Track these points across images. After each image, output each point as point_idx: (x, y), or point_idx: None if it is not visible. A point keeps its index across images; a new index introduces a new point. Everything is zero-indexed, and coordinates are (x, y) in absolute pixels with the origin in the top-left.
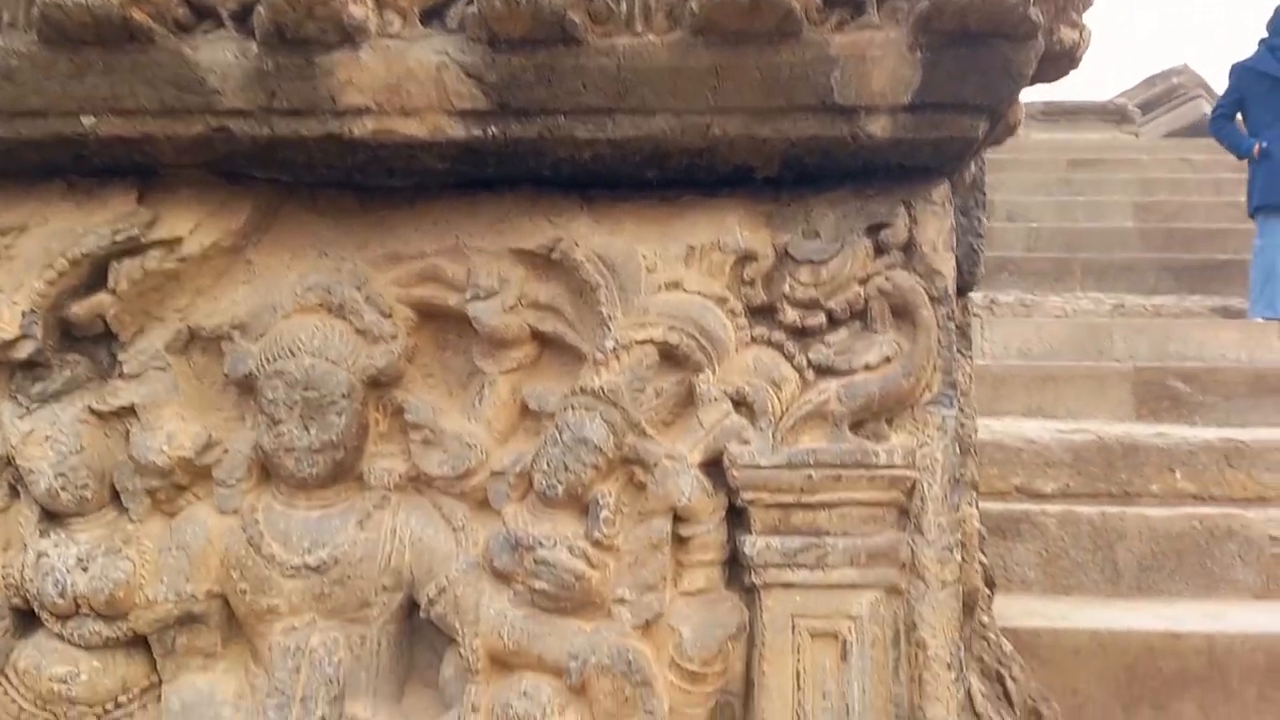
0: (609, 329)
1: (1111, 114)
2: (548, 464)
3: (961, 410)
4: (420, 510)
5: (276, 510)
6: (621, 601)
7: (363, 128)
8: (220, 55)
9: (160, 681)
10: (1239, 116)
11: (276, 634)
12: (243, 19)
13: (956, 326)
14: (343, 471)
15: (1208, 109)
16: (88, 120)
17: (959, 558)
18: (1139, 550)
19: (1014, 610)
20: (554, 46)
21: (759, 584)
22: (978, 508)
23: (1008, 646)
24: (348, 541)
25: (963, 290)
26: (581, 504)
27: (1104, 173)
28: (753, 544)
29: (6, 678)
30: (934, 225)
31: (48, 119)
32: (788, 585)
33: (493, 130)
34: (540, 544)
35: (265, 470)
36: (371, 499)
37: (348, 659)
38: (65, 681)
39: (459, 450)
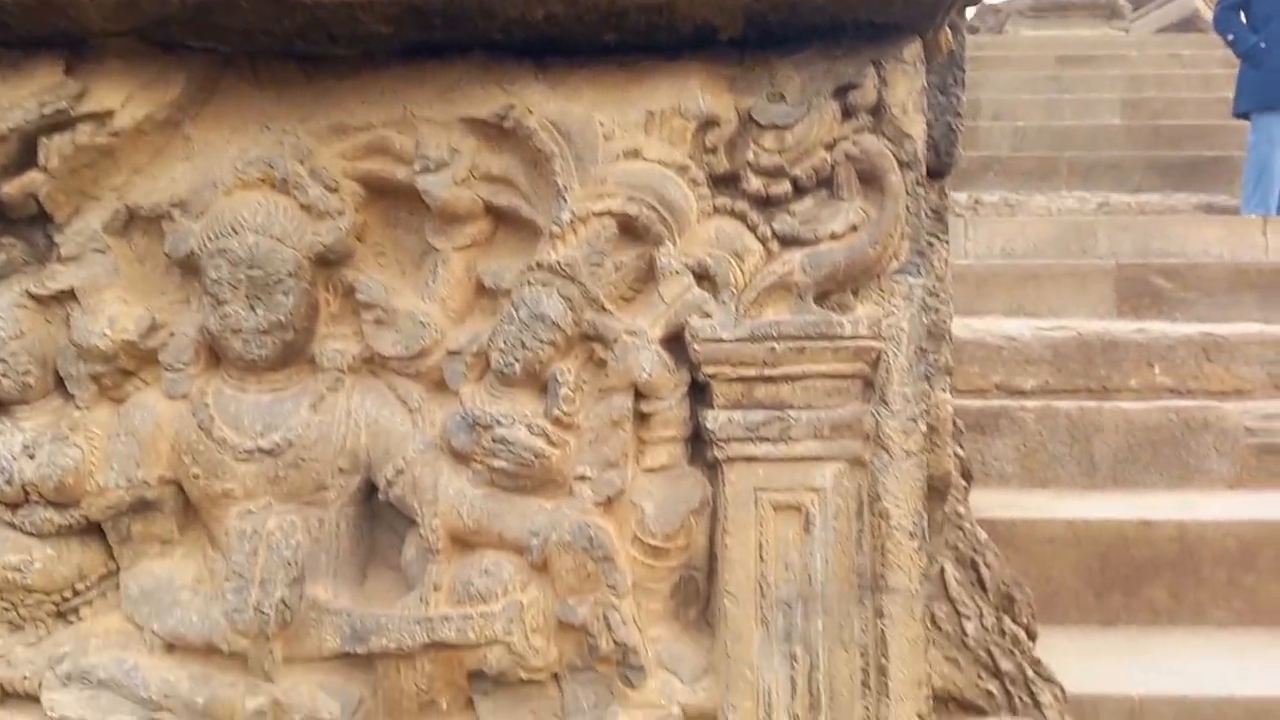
0: (565, 200)
1: (1101, 9)
2: (504, 342)
3: (937, 295)
4: (375, 392)
5: (227, 394)
6: (583, 479)
7: None
8: None
9: (118, 569)
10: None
11: (232, 518)
12: None
13: (932, 209)
14: (293, 353)
15: (1199, 4)
16: None
17: (923, 428)
18: (1115, 443)
19: (991, 502)
20: None
21: (721, 458)
22: (951, 395)
23: (982, 535)
24: (301, 424)
25: (940, 173)
26: (540, 382)
27: (1093, 69)
28: (715, 418)
29: None
30: (904, 85)
31: None
32: (750, 459)
33: None
34: (499, 422)
35: (214, 354)
36: (324, 381)
37: (306, 542)
38: (19, 570)
39: (412, 329)
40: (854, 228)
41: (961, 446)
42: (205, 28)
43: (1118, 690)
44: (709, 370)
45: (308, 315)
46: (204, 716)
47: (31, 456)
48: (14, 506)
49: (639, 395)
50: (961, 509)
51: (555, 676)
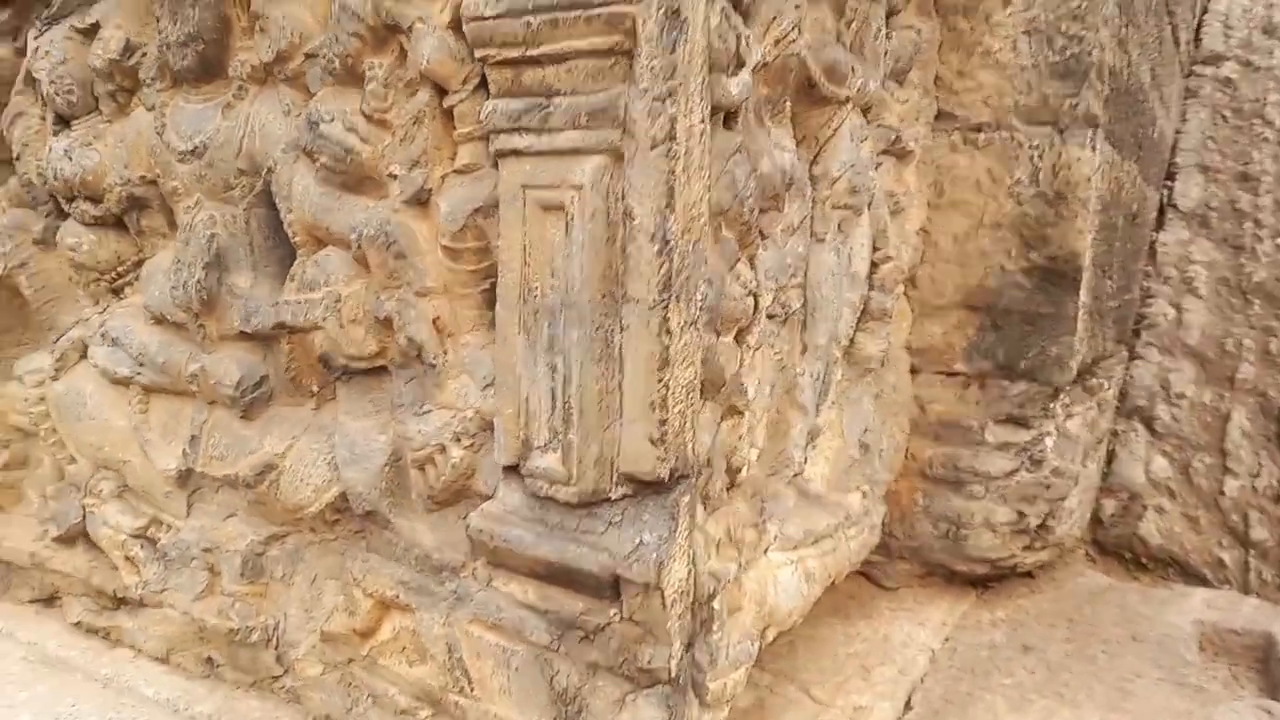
0: None
1: None
2: (328, 39)
3: None
4: (269, 100)
5: (179, 106)
6: (394, 177)
7: None
8: None
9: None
10: None
11: (181, 213)
12: None
13: None
14: (211, 65)
15: None
16: None
17: (673, 110)
18: None
19: None
20: None
21: (493, 152)
22: None
23: None
24: (213, 128)
25: None
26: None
27: None
28: (486, 108)
29: (55, 247)
30: None
31: None
32: (517, 152)
33: None
34: (322, 119)
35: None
36: (231, 90)
37: (223, 235)
38: (73, 250)
39: (275, 33)
40: None
41: None
42: None
43: None
44: (479, 53)
45: (216, 28)
46: (163, 373)
47: (70, 158)
48: (69, 200)
49: (443, 91)
50: None
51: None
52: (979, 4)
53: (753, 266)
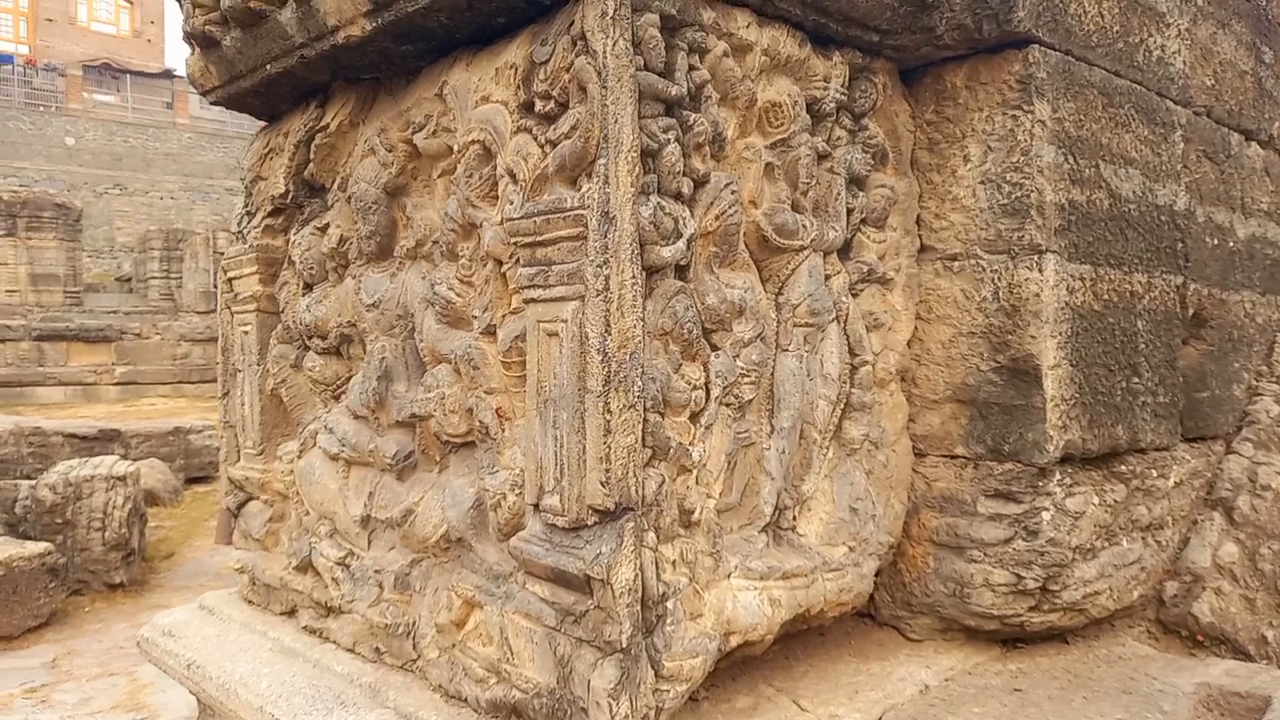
0: (456, 138)
1: None
2: (441, 232)
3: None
4: (415, 270)
5: (368, 275)
6: (475, 318)
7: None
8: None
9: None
10: None
11: (368, 344)
12: None
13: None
14: (385, 249)
15: None
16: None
17: (607, 273)
18: None
19: None
20: None
21: (521, 301)
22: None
23: None
24: (384, 289)
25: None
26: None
27: None
28: (515, 273)
29: (301, 369)
30: (593, 12)
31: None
32: (533, 300)
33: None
34: (436, 282)
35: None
36: (394, 264)
37: (389, 357)
38: (312, 370)
39: (417, 228)
40: (574, 127)
41: None
42: (362, 66)
43: None
44: (512, 240)
45: (388, 226)
46: (355, 450)
47: (309, 310)
48: (309, 337)
49: (500, 262)
50: None
51: (477, 445)
52: (947, 163)
53: (706, 369)
